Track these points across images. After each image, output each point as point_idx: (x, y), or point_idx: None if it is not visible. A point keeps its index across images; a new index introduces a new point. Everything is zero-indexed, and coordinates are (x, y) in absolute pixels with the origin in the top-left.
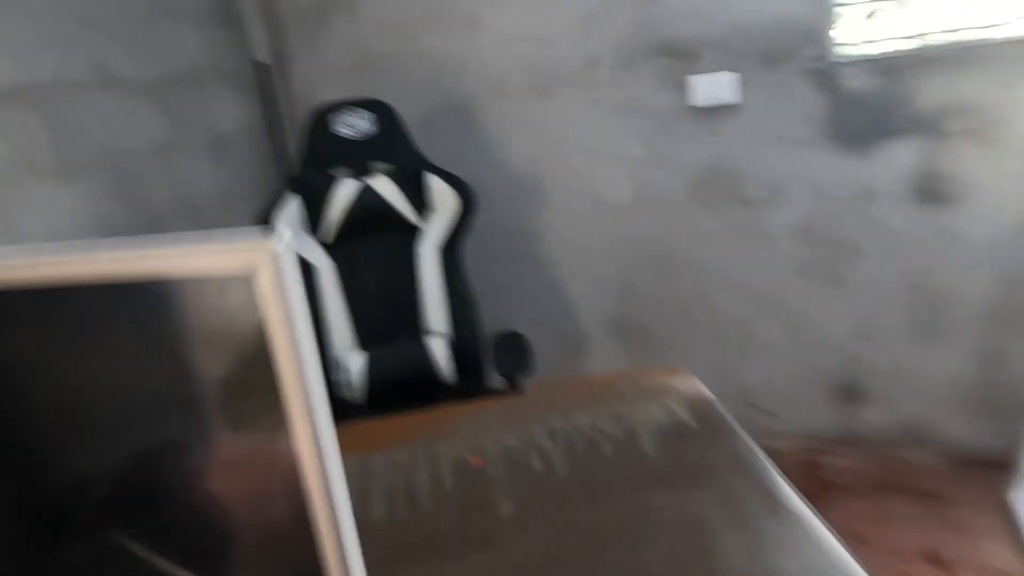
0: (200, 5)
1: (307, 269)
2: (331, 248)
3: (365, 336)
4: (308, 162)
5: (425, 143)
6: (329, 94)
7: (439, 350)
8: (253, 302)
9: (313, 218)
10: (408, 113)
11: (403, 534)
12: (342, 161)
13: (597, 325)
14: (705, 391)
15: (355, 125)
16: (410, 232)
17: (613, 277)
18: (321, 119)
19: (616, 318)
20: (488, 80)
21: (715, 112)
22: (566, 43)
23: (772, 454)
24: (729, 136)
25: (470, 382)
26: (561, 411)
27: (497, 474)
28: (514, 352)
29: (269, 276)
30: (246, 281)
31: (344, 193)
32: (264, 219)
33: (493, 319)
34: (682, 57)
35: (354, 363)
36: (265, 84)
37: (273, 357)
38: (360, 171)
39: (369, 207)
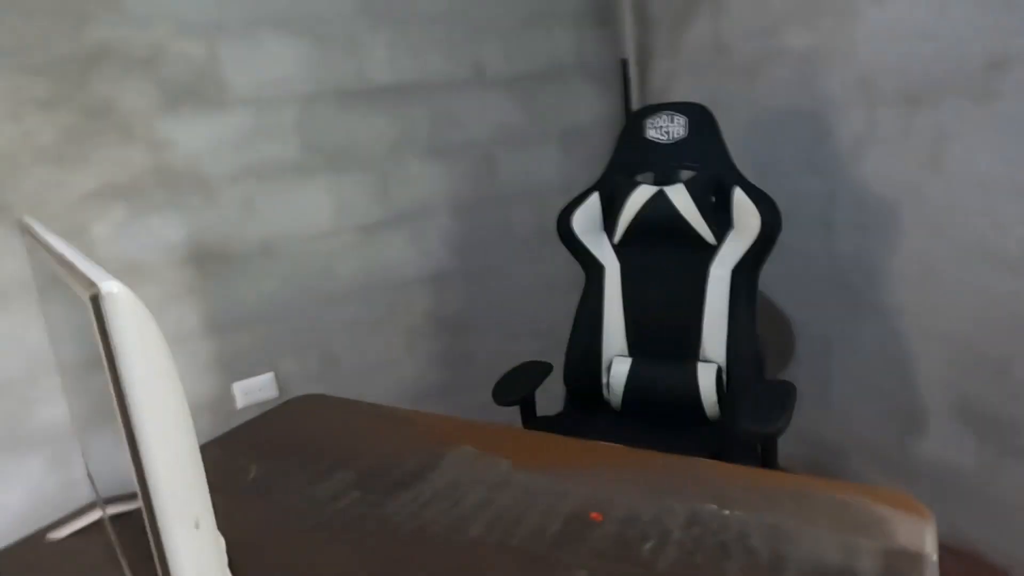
0: (579, 9)
1: (597, 268)
2: (621, 250)
3: (636, 344)
4: (615, 162)
5: (766, 149)
6: (682, 90)
7: (706, 379)
8: None
9: (609, 218)
10: (754, 115)
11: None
12: (649, 165)
13: (942, 404)
14: (930, 544)
15: (667, 129)
16: (704, 248)
17: (980, 349)
18: (636, 122)
19: (972, 402)
20: (851, 83)
21: None
22: (958, 38)
23: None
24: None
25: (728, 422)
26: (730, 499)
27: (600, 536)
28: (770, 405)
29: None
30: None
31: (638, 198)
32: (567, 211)
33: (793, 361)
34: None
35: (618, 368)
36: (626, 80)
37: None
38: (662, 177)
39: (658, 215)
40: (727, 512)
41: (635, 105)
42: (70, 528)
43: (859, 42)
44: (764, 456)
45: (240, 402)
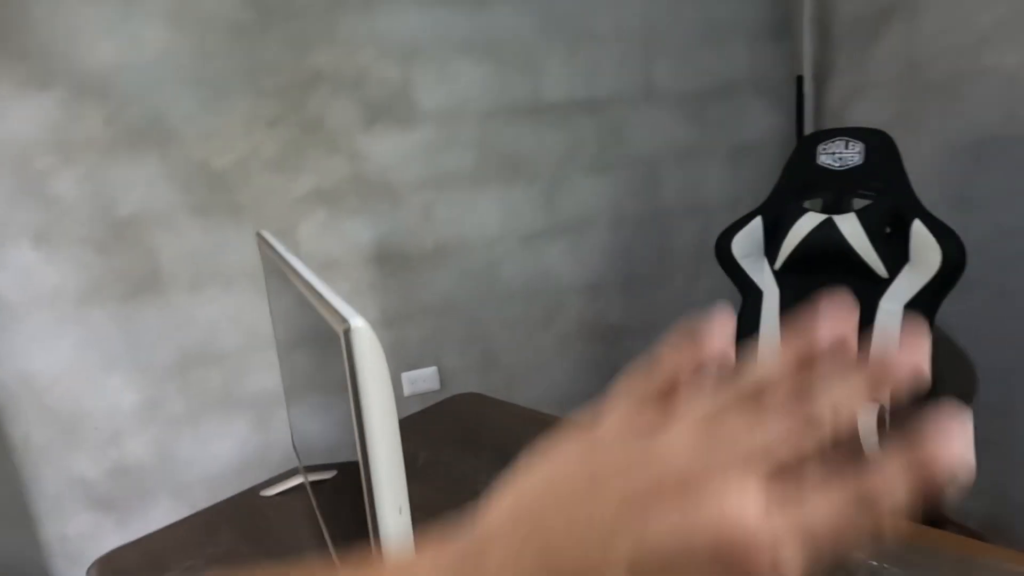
0: (754, 22)
1: (755, 293)
2: (782, 277)
3: None
4: (782, 186)
5: (962, 177)
6: (863, 111)
7: (867, 419)
8: None
9: (771, 243)
10: (949, 140)
11: None
12: (817, 192)
13: None
14: None
15: (840, 156)
16: (874, 280)
17: None
18: (809, 146)
19: None
20: None
21: None
22: None
23: None
24: None
25: None
26: (884, 551)
27: None
28: None
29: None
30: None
31: (805, 224)
32: (728, 233)
33: (974, 406)
34: None
35: None
36: (801, 98)
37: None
38: (832, 205)
39: (825, 243)
40: (878, 564)
41: (809, 124)
42: (279, 488)
43: None
44: (928, 508)
45: (407, 390)
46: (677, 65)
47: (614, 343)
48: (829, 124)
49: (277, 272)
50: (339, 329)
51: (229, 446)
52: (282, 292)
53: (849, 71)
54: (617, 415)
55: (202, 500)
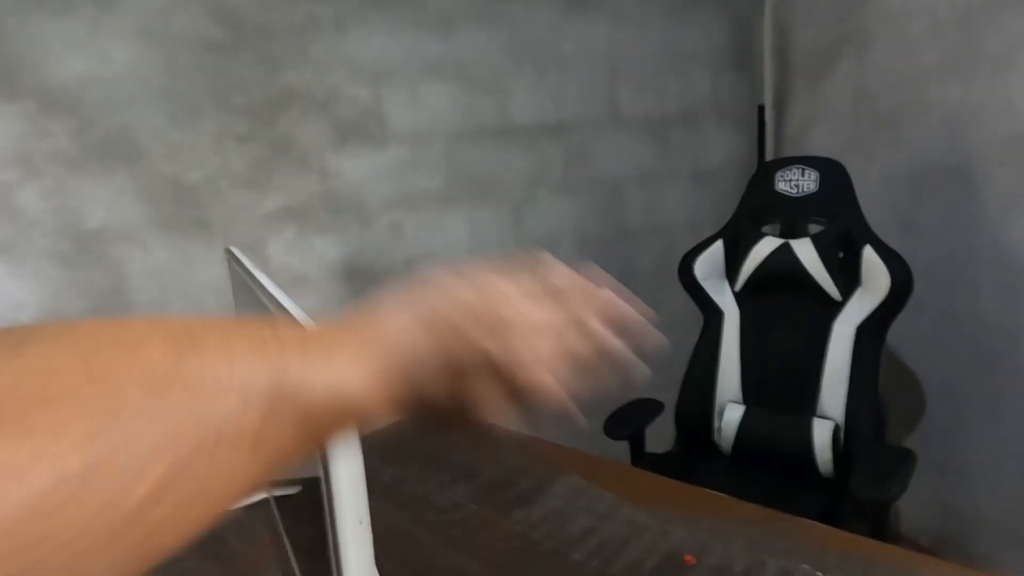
0: (719, 51)
1: (716, 313)
2: (741, 298)
3: (751, 393)
4: (742, 211)
5: (907, 202)
6: (818, 138)
7: (821, 436)
8: None
9: (731, 265)
10: (895, 167)
11: None
12: (775, 217)
13: None
14: None
15: (797, 183)
16: (828, 303)
17: None
18: (767, 173)
19: None
20: (1004, 139)
21: None
22: None
23: None
24: None
25: (840, 482)
26: (826, 564)
27: None
28: (886, 470)
29: None
30: None
31: (763, 249)
32: (690, 255)
33: (922, 425)
34: None
35: (731, 415)
36: (762, 124)
37: None
38: (789, 229)
39: (782, 267)
40: (819, 575)
41: (769, 150)
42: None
43: (1016, 98)
44: (875, 523)
45: None
46: (642, 91)
47: None
48: (788, 150)
49: (245, 288)
50: None
51: None
52: (249, 309)
53: (806, 100)
54: (487, 272)
55: None
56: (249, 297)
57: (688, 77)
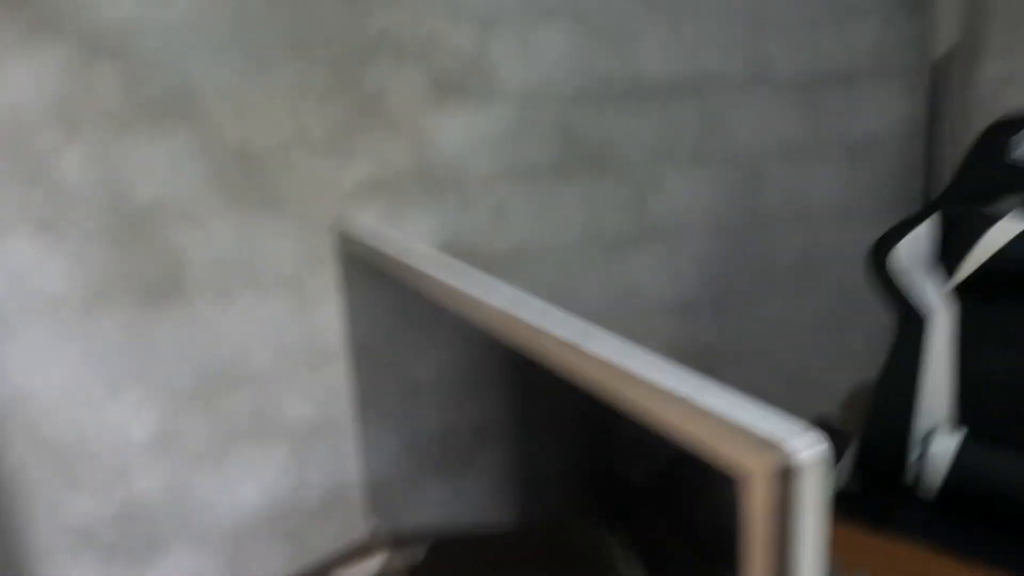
0: None
1: (919, 317)
2: (957, 297)
3: (969, 419)
4: (959, 189)
5: None
6: (1019, 102)
7: None
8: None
9: (948, 258)
10: None
11: None
12: (1008, 191)
13: None
14: None
15: None
16: None
17: None
18: (992, 138)
19: None
20: None
21: None
22: None
23: None
24: None
25: None
26: None
27: None
28: None
29: (765, 493)
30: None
31: (1000, 234)
32: (889, 239)
33: None
34: None
35: (941, 446)
36: (937, 85)
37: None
38: None
39: None
40: None
41: (950, 117)
42: (359, 571)
43: None
44: None
45: None
46: (790, 45)
47: (706, 370)
48: (976, 120)
49: (373, 279)
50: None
51: (259, 487)
52: (369, 294)
53: (1003, 56)
54: None
55: (224, 550)
56: (385, 294)
57: (845, 28)
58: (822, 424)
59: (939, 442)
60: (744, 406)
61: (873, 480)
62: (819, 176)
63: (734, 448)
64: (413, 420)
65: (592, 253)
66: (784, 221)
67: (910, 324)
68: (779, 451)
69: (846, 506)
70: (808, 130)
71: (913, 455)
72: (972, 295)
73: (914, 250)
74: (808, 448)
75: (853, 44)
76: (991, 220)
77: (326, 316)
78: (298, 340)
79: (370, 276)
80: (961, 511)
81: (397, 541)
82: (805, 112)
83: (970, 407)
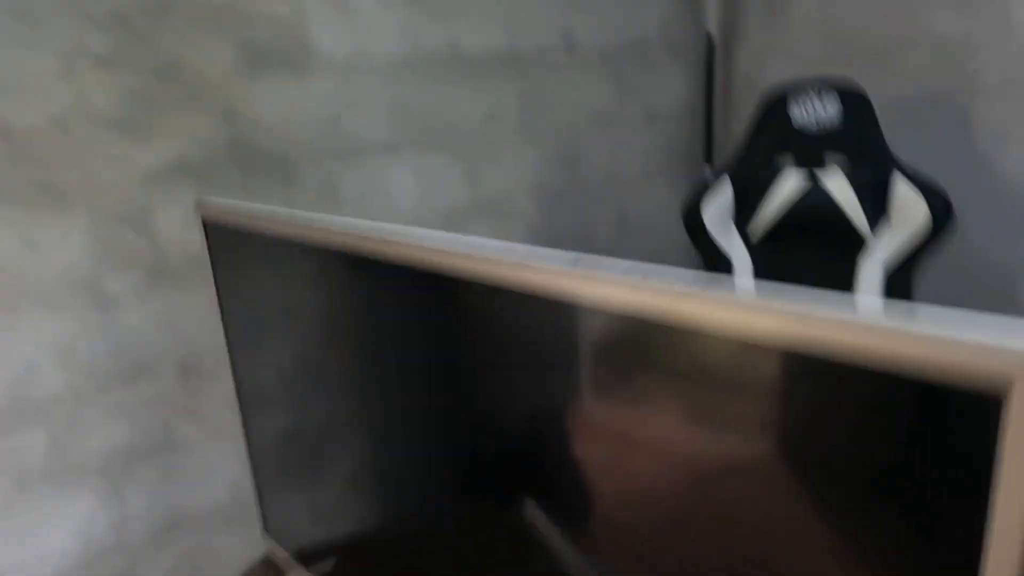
0: None
1: (725, 265)
2: (755, 248)
3: None
4: (750, 148)
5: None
6: (778, 75)
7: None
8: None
9: (744, 211)
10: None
11: None
12: (791, 151)
13: None
14: None
15: (816, 112)
16: (853, 244)
17: None
18: (776, 101)
19: None
20: (997, 73)
21: None
22: None
23: None
24: None
25: None
26: None
27: None
28: None
29: None
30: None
31: (787, 188)
32: (693, 203)
33: None
34: None
35: None
36: (711, 61)
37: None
38: (810, 165)
39: (814, 209)
40: None
41: (719, 89)
42: None
43: (1016, 26)
44: None
45: None
46: (590, 19)
47: None
48: (740, 89)
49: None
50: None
51: (66, 536)
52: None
53: (762, 32)
54: None
55: None
56: (258, 268)
57: (640, 3)
58: None
59: None
60: (971, 326)
61: None
62: (627, 143)
63: (990, 364)
64: (298, 406)
65: (427, 226)
66: (601, 185)
67: (718, 273)
68: None
69: None
70: (615, 100)
71: None
72: (770, 242)
73: (721, 205)
74: None
75: (645, 21)
76: (778, 174)
77: (137, 319)
78: (101, 353)
79: (242, 251)
80: None
81: (300, 556)
82: (612, 84)
83: None
